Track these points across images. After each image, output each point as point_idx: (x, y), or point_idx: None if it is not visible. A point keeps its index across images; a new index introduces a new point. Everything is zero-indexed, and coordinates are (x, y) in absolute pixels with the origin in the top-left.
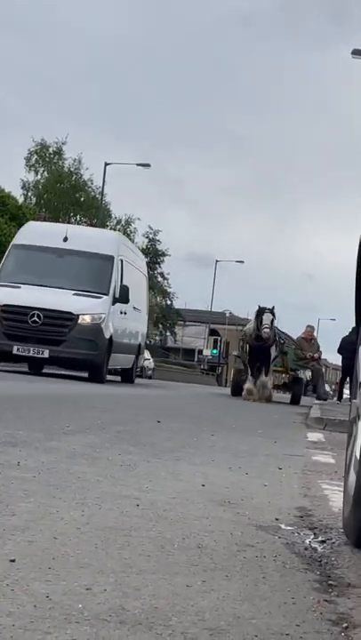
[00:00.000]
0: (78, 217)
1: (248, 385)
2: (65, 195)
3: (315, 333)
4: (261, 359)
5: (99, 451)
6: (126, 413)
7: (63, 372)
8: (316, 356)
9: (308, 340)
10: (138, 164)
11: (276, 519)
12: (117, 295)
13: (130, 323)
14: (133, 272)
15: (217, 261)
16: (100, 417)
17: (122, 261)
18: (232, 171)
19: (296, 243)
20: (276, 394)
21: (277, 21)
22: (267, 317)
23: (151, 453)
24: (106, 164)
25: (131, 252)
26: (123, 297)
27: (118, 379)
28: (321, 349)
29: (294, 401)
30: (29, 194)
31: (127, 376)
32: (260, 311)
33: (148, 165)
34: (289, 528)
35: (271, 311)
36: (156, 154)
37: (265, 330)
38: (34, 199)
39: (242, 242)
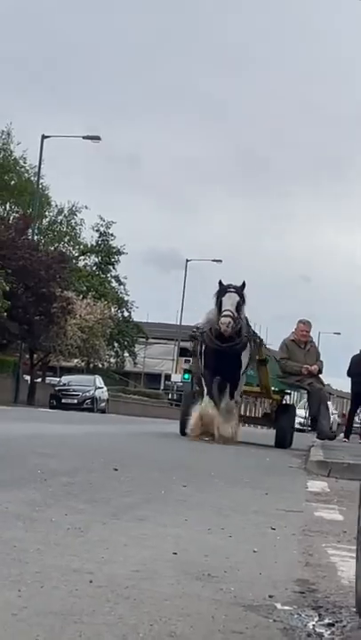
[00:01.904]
0: (8, 205)
1: (202, 410)
2: None
3: (312, 334)
4: (225, 371)
5: (39, 510)
6: (75, 459)
7: None
8: (313, 368)
9: (303, 343)
10: (85, 137)
11: (270, 596)
12: None
13: None
14: None
15: (187, 261)
16: (41, 465)
17: None
18: (204, 145)
19: (288, 236)
20: (250, 430)
21: None
22: (229, 300)
23: (107, 512)
24: (43, 137)
25: None
26: None
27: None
28: (322, 359)
29: (281, 442)
30: None
31: None
32: (221, 291)
33: (97, 139)
34: (287, 608)
35: (237, 290)
36: (108, 124)
37: (223, 319)
38: None
39: (218, 235)
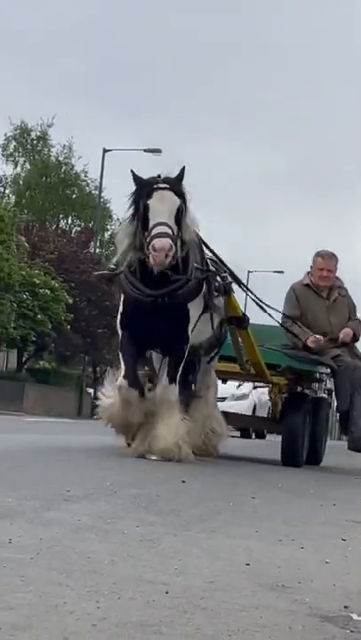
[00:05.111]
0: (70, 219)
1: (120, 396)
2: (53, 191)
3: (338, 273)
4: (160, 335)
5: (111, 522)
6: (141, 471)
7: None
8: (345, 335)
9: (324, 289)
10: (146, 150)
11: (346, 607)
12: None
13: None
14: None
15: (249, 272)
16: (109, 477)
17: None
18: (267, 156)
19: (351, 246)
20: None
21: None
22: (160, 203)
23: (177, 524)
24: (104, 151)
25: None
26: None
27: None
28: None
29: (289, 454)
30: (7, 191)
31: None
32: (142, 189)
33: (158, 151)
34: None
35: (172, 185)
36: (169, 136)
37: (158, 241)
38: (13, 198)
39: (281, 247)
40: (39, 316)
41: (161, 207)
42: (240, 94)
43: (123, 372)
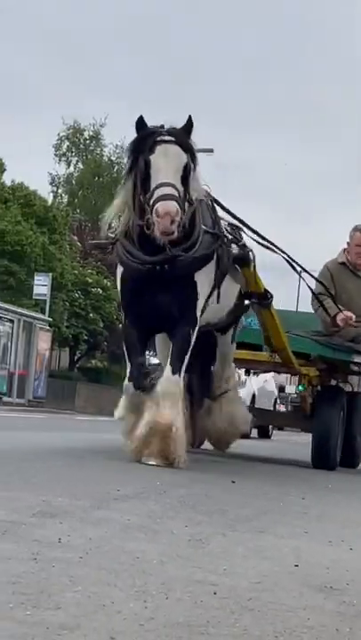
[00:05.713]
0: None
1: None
2: (105, 191)
3: None
4: (162, 313)
5: (160, 522)
6: (191, 471)
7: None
8: None
9: None
10: (198, 150)
11: None
12: None
13: None
14: None
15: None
16: (159, 477)
17: None
18: (323, 154)
19: None
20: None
21: None
22: (164, 158)
23: (226, 524)
24: None
25: None
26: None
27: None
28: None
29: (320, 453)
30: (60, 191)
31: None
32: (142, 141)
33: (211, 151)
34: None
35: (179, 137)
36: (221, 135)
37: (162, 205)
38: (65, 197)
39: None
40: (91, 315)
41: (165, 164)
42: (289, 94)
43: (129, 368)
